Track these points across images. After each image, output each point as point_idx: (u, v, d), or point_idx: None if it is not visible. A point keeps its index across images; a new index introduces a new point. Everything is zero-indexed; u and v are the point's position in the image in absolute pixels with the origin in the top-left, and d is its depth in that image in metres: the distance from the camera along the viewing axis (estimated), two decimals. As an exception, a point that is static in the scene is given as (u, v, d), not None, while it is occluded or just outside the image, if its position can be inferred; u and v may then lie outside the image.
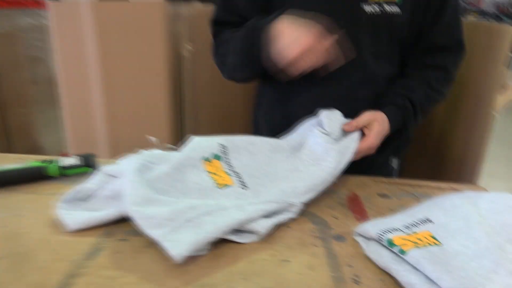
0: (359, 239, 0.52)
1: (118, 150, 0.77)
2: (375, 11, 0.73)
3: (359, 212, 0.61)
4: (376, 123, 0.70)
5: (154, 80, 1.25)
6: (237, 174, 0.59)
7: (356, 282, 0.45)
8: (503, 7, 6.19)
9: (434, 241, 0.47)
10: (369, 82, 0.79)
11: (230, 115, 1.31)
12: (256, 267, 0.46)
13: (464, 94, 1.09)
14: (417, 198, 0.67)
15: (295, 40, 0.60)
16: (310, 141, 0.65)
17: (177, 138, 1.30)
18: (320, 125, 0.67)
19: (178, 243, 0.43)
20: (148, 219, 0.45)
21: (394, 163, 0.97)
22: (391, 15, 0.73)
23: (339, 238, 0.54)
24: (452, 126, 1.15)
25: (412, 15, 0.76)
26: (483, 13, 6.60)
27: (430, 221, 0.51)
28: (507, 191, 0.52)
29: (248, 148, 0.63)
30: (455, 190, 0.71)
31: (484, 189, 0.72)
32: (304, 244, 0.52)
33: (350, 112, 0.73)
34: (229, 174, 0.58)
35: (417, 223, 0.50)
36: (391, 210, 0.61)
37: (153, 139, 1.23)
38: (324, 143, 0.63)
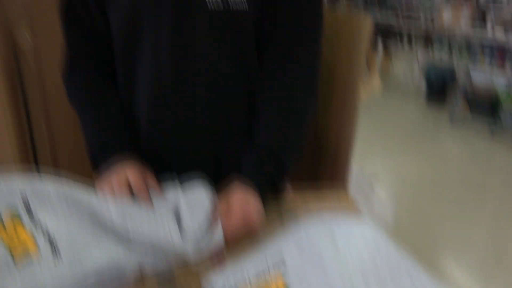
0: (208, 295, 0.43)
1: None
2: (218, 8, 0.63)
3: (216, 253, 0.52)
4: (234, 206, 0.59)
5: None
6: (48, 236, 0.43)
7: None
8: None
9: (287, 291, 0.40)
10: (215, 90, 0.69)
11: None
12: None
13: (333, 87, 1.10)
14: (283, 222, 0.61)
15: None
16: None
17: (27, 158, 1.05)
18: (176, 212, 0.55)
19: None
20: None
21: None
22: (236, 12, 0.64)
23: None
24: (326, 119, 1.16)
25: (262, 8, 0.66)
26: (352, 0, 7.17)
27: (284, 262, 0.44)
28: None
29: (65, 205, 0.48)
30: (321, 201, 0.67)
31: (349, 200, 0.70)
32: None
33: (199, 123, 0.66)
34: (33, 236, 0.43)
35: (270, 267, 0.43)
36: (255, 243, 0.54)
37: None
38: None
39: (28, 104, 1.04)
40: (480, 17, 4.01)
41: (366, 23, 0.94)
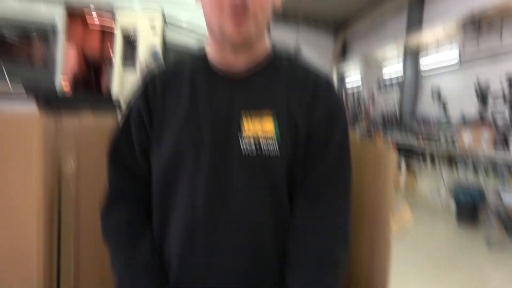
0: None
1: None
2: (251, 154, 0.68)
3: None
4: None
5: (25, 207, 1.02)
6: None
7: None
8: (388, 116, 7.19)
9: None
10: (248, 231, 0.69)
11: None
12: None
13: (362, 220, 1.07)
14: None
15: None
16: None
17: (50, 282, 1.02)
18: None
19: None
20: None
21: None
22: (268, 157, 0.68)
23: None
24: (357, 252, 1.11)
25: (293, 155, 0.70)
26: (371, 123, 7.56)
27: None
28: None
29: None
30: None
31: None
32: None
33: (230, 268, 0.66)
34: None
35: None
36: None
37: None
38: None
39: (61, 232, 1.06)
40: (501, 140, 4.08)
41: (391, 157, 0.93)
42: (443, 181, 5.07)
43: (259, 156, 0.67)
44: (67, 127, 1.13)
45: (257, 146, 0.67)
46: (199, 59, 0.76)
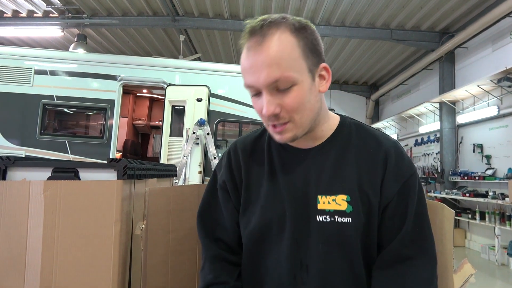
0: None
1: None
2: (325, 220, 0.75)
3: None
4: None
5: (101, 264, 1.16)
6: None
7: None
8: (428, 171, 7.00)
9: None
10: None
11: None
12: None
13: None
14: None
15: None
16: None
17: None
18: None
19: None
20: None
21: None
22: (341, 224, 0.74)
23: None
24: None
25: (366, 225, 0.75)
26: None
27: None
28: None
29: None
30: None
31: None
32: None
33: None
34: None
35: None
36: None
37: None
38: None
39: (131, 283, 1.18)
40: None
41: (446, 214, 0.91)
42: (496, 237, 4.79)
43: (332, 222, 0.74)
44: (138, 192, 1.29)
45: (331, 217, 0.75)
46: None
